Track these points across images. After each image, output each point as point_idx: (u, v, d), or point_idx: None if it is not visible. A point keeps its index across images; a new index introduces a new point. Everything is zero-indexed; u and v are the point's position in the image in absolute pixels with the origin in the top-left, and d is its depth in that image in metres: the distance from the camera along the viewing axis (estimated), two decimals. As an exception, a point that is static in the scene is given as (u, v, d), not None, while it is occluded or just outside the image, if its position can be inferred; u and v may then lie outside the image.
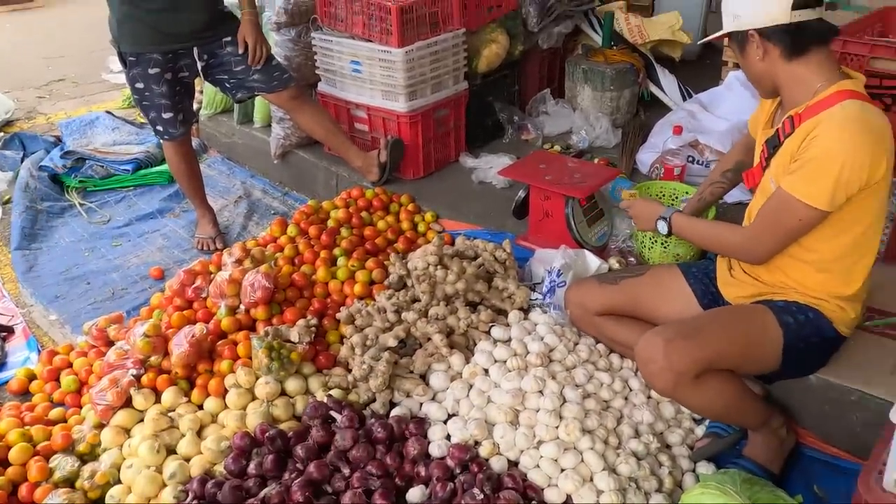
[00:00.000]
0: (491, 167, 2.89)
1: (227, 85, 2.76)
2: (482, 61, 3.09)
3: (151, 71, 2.53)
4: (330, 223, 2.59)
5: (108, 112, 4.25)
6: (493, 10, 3.07)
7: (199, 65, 2.64)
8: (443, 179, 3.03)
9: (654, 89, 3.47)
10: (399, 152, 2.88)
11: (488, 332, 1.97)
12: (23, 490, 1.75)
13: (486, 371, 1.84)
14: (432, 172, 3.05)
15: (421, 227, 2.68)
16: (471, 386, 1.81)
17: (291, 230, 2.54)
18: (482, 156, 3.04)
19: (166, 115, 2.64)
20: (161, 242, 3.07)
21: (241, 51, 2.60)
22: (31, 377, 2.22)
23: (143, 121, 4.37)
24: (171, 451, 1.83)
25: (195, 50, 2.60)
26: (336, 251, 2.43)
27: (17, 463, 1.81)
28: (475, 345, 1.95)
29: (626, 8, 3.94)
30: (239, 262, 2.30)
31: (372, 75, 2.88)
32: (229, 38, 2.62)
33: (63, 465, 1.82)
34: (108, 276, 2.83)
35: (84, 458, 1.86)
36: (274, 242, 2.51)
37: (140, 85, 2.58)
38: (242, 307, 2.19)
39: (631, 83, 3.25)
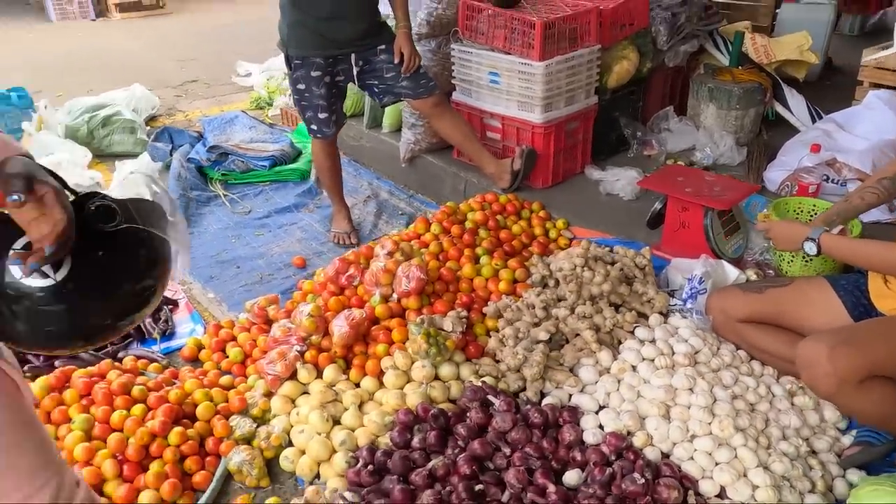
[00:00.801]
0: (618, 179, 3.00)
1: (376, 90, 2.96)
2: (612, 77, 3.21)
3: (313, 74, 2.77)
4: (467, 224, 2.75)
5: (243, 111, 4.60)
6: (626, 28, 3.19)
7: (355, 70, 2.86)
8: (570, 189, 3.16)
9: (780, 109, 3.50)
10: (532, 162, 3.03)
11: (632, 333, 2.09)
12: (209, 443, 1.98)
13: (634, 368, 1.95)
14: (559, 182, 3.18)
15: (552, 233, 2.81)
16: (619, 381, 1.93)
17: (435, 228, 2.72)
18: (608, 168, 3.15)
19: (322, 116, 2.87)
20: (299, 234, 3.32)
21: (396, 60, 2.81)
22: (200, 347, 2.47)
23: (270, 121, 4.72)
24: (335, 421, 2.03)
25: (353, 56, 2.82)
26: (478, 250, 2.60)
27: (202, 419, 2.04)
28: (619, 343, 2.07)
29: (751, 28, 3.98)
30: (391, 254, 2.49)
31: (510, 86, 3.04)
32: (384, 47, 2.83)
33: (241, 425, 2.04)
34: (254, 262, 3.09)
35: (256, 421, 2.08)
36: (418, 239, 2.69)
37: (301, 86, 2.82)
38: (395, 296, 2.37)
39: (757, 102, 3.30)
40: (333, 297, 2.40)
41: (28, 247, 0.90)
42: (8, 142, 0.95)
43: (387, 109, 3.84)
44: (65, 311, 0.90)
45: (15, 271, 0.89)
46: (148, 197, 1.01)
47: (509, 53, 3.03)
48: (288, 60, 2.81)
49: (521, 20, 2.94)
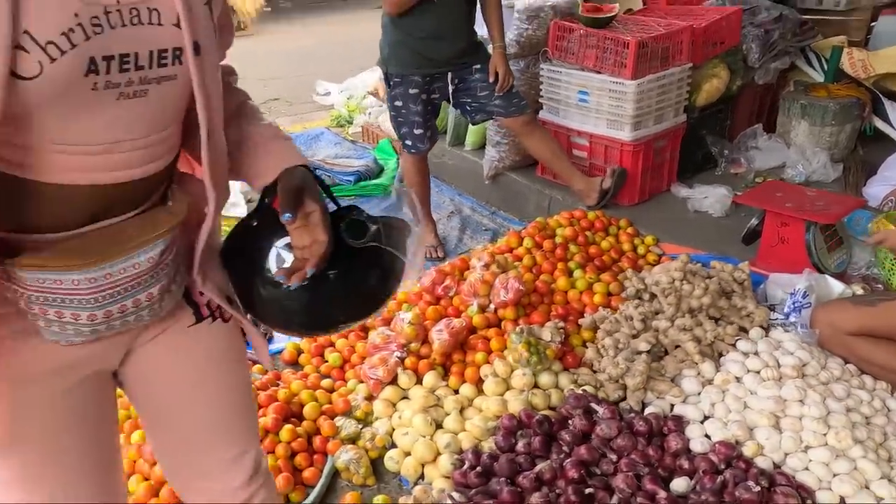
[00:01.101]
0: (706, 197, 3.01)
1: (469, 108, 3.05)
2: (702, 95, 3.22)
3: (411, 91, 2.88)
4: (557, 239, 2.79)
5: (327, 129, 4.78)
6: (717, 46, 3.19)
7: (450, 88, 2.95)
8: (657, 207, 3.18)
9: (879, 124, 3.43)
10: (622, 181, 3.06)
11: (734, 345, 2.08)
12: (316, 441, 2.06)
13: (738, 379, 1.95)
14: (646, 200, 3.20)
15: (641, 249, 2.82)
16: (724, 392, 1.93)
17: (527, 242, 2.76)
18: (696, 186, 3.16)
19: (417, 132, 2.98)
20: (386, 247, 3.42)
21: (491, 79, 2.89)
22: (299, 351, 2.57)
23: (352, 139, 4.89)
24: (437, 425, 2.09)
25: (449, 74, 2.92)
26: (571, 264, 2.64)
27: (309, 419, 2.12)
28: (720, 356, 2.07)
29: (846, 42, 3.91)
30: (487, 266, 2.56)
31: (599, 105, 3.10)
32: (479, 66, 2.92)
33: (347, 425, 2.12)
34: None
35: (360, 423, 2.16)
36: (511, 252, 2.75)
37: (399, 103, 2.93)
38: (492, 306, 2.43)
39: (854, 118, 3.25)
40: (430, 306, 2.48)
41: (288, 247, 0.99)
42: (291, 148, 1.05)
43: (470, 127, 3.93)
44: (304, 307, 0.99)
45: (271, 262, 0.99)
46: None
47: (600, 72, 3.08)
48: (387, 78, 2.94)
49: (613, 40, 3.00)
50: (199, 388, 1.09)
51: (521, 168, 3.59)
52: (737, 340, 2.09)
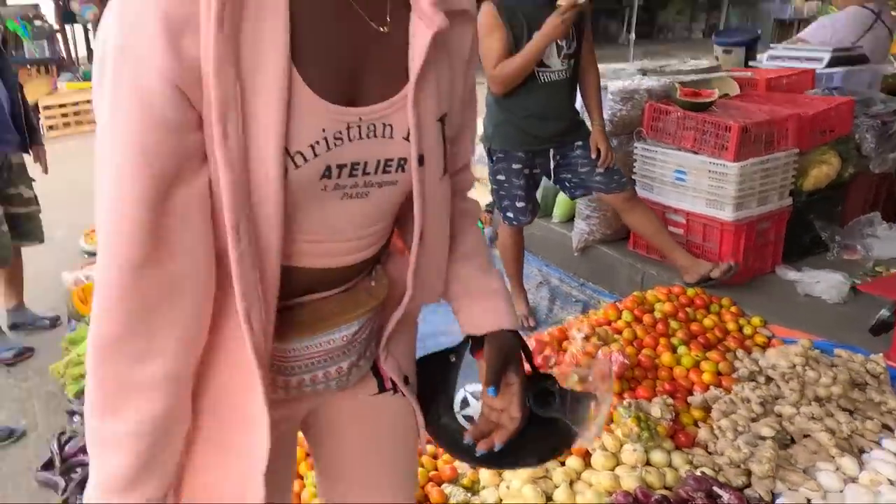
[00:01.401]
0: (818, 282, 2.95)
1: (568, 184, 3.11)
2: (809, 180, 3.20)
3: (514, 166, 2.97)
4: (656, 314, 2.76)
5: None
6: (826, 134, 3.19)
7: (552, 164, 3.03)
8: (760, 288, 3.12)
9: None
10: (730, 276, 2.96)
11: (878, 443, 1.98)
12: (427, 509, 2.06)
13: (892, 482, 1.83)
14: (749, 280, 3.14)
15: (747, 330, 2.74)
16: (875, 493, 1.81)
17: (626, 316, 2.75)
18: (805, 269, 3.10)
19: (519, 205, 3.05)
20: (477, 313, 3.45)
21: (593, 156, 2.95)
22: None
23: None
24: (546, 497, 2.06)
25: (551, 151, 3.00)
26: (673, 340, 2.59)
27: (419, 486, 2.13)
28: (861, 452, 1.96)
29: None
30: (587, 337, 2.56)
31: (697, 184, 3.11)
32: (580, 143, 2.99)
33: (455, 493, 2.09)
34: (437, 339, 3.15)
35: (467, 491, 2.15)
36: (609, 325, 2.74)
37: (502, 177, 3.02)
38: (590, 378, 2.41)
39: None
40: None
41: (465, 402, 1.06)
42: (505, 308, 1.08)
43: (558, 199, 4.00)
44: (473, 450, 1.01)
45: (457, 400, 1.08)
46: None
47: (698, 153, 3.12)
48: (490, 153, 3.04)
49: (713, 123, 3.04)
50: (373, 452, 1.15)
51: (612, 241, 3.61)
52: (881, 438, 1.99)
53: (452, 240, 1.09)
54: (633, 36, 12.14)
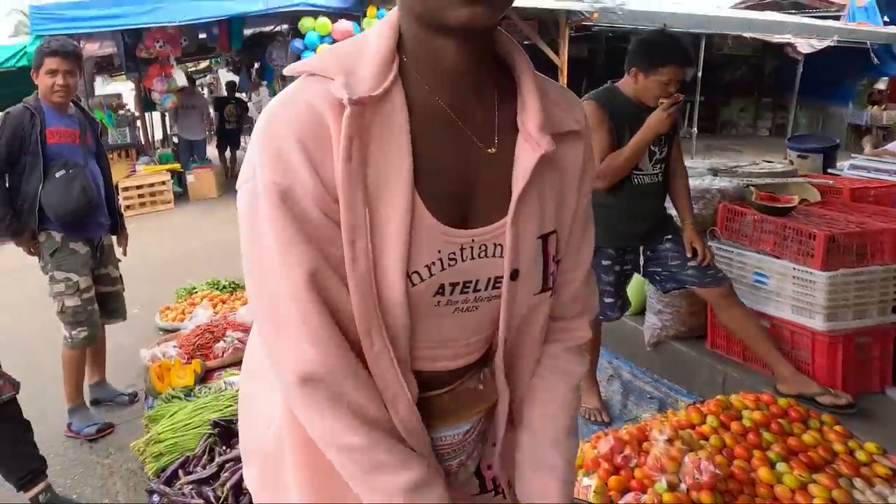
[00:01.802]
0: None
1: (658, 277, 3.12)
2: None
3: (604, 262, 3.02)
4: (745, 422, 2.64)
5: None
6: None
7: (641, 260, 3.08)
8: (867, 409, 2.88)
9: None
10: (839, 411, 2.82)
11: None
12: None
13: None
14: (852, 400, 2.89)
15: (860, 456, 2.49)
16: None
17: (711, 421, 2.65)
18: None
19: (607, 300, 3.08)
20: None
21: (688, 255, 2.97)
22: None
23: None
24: None
25: (641, 247, 3.06)
26: (770, 454, 2.45)
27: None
28: None
29: None
30: (670, 441, 2.51)
31: (780, 289, 3.07)
32: (670, 237, 3.04)
33: None
34: None
35: None
36: (693, 428, 2.67)
37: None
38: (683, 486, 2.34)
39: None
40: (611, 475, 2.42)
41: None
42: (564, 483, 1.11)
43: (628, 292, 4.00)
44: None
45: None
46: None
47: (779, 258, 3.10)
48: None
49: (795, 229, 3.02)
50: None
51: (688, 339, 3.57)
52: None
53: (537, 391, 1.10)
54: (695, 130, 12.34)
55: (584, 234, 1.08)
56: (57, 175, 3.23)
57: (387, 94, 0.84)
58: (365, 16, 9.38)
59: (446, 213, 0.88)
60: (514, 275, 0.93)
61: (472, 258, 0.90)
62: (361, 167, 0.82)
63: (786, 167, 4.27)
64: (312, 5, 9.11)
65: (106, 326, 3.74)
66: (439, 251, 0.87)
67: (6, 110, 3.28)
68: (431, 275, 0.88)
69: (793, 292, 3.03)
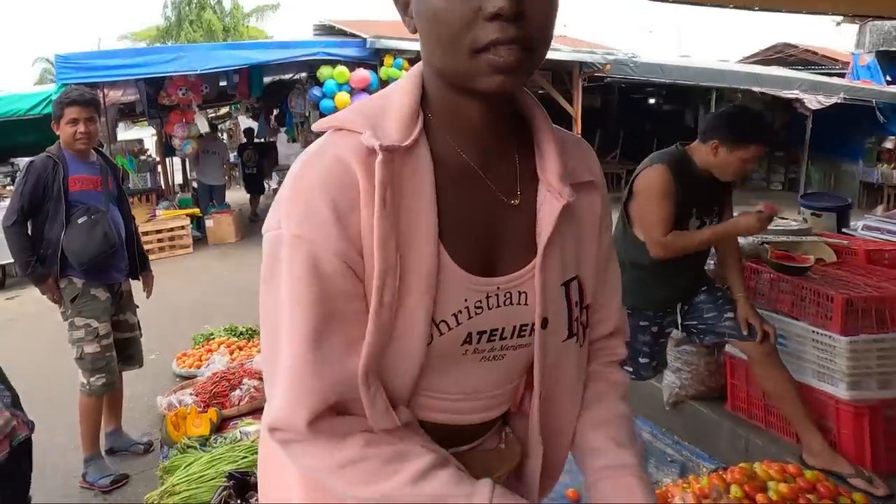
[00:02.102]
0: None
1: (695, 330, 3.04)
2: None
3: (641, 323, 2.99)
4: (772, 494, 2.55)
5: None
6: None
7: (679, 317, 3.04)
8: None
9: None
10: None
11: None
12: None
13: None
14: (882, 473, 2.79)
15: None
16: None
17: (735, 491, 2.58)
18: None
19: (642, 360, 3.05)
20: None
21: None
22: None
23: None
24: None
25: (679, 305, 3.02)
26: (799, 529, 2.37)
27: None
28: None
29: None
30: (697, 505, 2.46)
31: (800, 352, 3.02)
32: (704, 287, 3.01)
33: None
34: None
35: None
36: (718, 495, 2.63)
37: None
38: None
39: None
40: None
41: None
42: None
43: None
44: None
45: None
46: None
47: (797, 319, 3.06)
48: None
49: (813, 290, 2.99)
50: None
51: (707, 399, 3.52)
52: None
53: (588, 406, 1.10)
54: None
55: (608, 274, 1.10)
56: (79, 221, 3.30)
57: (413, 146, 0.88)
58: (382, 65, 9.60)
59: (471, 263, 0.90)
60: (545, 323, 0.95)
61: (499, 306, 0.92)
62: (394, 214, 0.85)
63: (800, 225, 4.26)
64: (330, 55, 9.35)
65: (123, 373, 3.74)
66: (466, 300, 0.90)
67: (31, 159, 3.37)
68: (459, 323, 0.90)
69: (814, 356, 2.97)
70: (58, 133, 3.37)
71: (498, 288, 0.92)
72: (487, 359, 0.95)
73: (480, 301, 0.91)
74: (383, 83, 9.39)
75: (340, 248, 0.84)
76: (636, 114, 17.49)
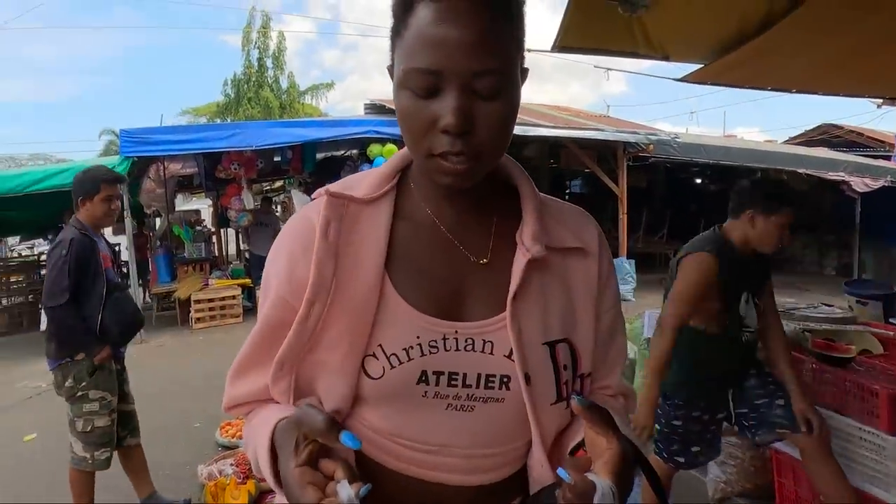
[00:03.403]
0: None
1: (746, 422, 2.83)
2: None
3: (694, 414, 2.82)
4: None
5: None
6: None
7: (731, 405, 2.87)
8: None
9: None
10: None
11: None
12: None
13: None
14: None
15: None
16: None
17: None
18: None
19: (693, 449, 2.86)
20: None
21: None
22: None
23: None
24: None
25: (729, 391, 2.87)
26: None
27: None
28: None
29: None
30: None
31: (847, 451, 2.83)
32: (754, 371, 2.85)
33: None
34: None
35: None
36: None
37: (677, 422, 2.84)
38: None
39: None
40: None
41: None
42: None
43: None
44: None
45: None
46: None
47: (842, 414, 2.89)
48: (665, 396, 2.87)
49: (856, 384, 2.84)
50: None
51: (755, 498, 3.37)
52: None
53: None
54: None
55: (611, 345, 1.08)
56: (114, 296, 3.36)
57: (377, 200, 0.99)
58: (428, 142, 9.85)
59: (424, 304, 0.94)
60: (528, 379, 0.93)
61: (457, 349, 0.93)
62: (335, 246, 0.94)
63: (845, 313, 4.02)
64: (380, 133, 9.69)
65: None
66: (418, 336, 0.92)
67: (69, 238, 3.25)
68: (410, 359, 0.92)
69: (862, 458, 2.78)
70: (82, 207, 3.33)
71: (457, 331, 0.93)
72: (455, 408, 0.94)
73: (436, 341, 0.93)
74: (429, 161, 9.59)
75: (287, 288, 0.96)
76: (683, 194, 17.39)
